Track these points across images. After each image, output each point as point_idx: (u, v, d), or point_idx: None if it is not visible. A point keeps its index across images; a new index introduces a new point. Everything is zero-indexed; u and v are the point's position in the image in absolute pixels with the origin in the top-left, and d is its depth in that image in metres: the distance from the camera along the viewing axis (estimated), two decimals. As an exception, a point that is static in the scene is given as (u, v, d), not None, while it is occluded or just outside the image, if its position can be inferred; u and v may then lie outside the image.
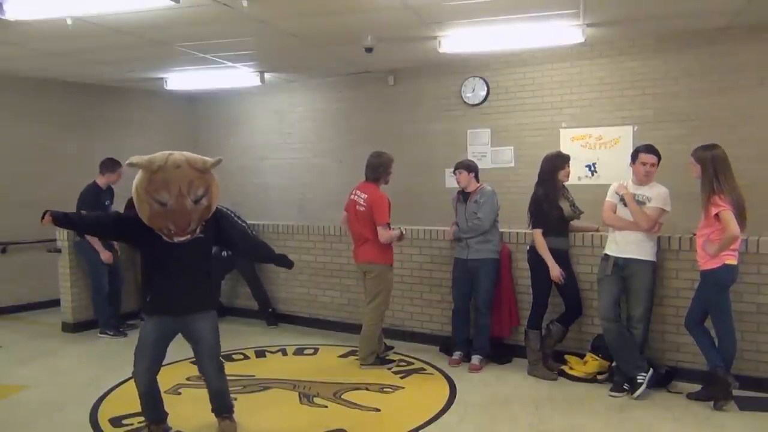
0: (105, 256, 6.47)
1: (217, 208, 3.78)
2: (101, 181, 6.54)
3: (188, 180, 3.48)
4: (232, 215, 6.76)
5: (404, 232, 5.43)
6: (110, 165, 6.55)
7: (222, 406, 4.00)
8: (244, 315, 7.24)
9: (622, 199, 4.67)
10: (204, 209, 3.59)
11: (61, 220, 3.66)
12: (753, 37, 6.20)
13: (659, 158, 4.62)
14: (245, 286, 7.14)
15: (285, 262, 4.32)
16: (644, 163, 4.60)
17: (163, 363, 3.88)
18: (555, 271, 4.93)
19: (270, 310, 7.00)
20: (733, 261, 4.29)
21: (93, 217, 3.93)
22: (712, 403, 4.34)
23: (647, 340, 4.80)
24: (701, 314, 4.45)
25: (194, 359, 4.01)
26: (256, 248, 4.47)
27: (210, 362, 3.87)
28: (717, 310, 4.38)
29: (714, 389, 4.36)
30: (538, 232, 5.02)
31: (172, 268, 3.68)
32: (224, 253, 6.62)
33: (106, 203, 6.50)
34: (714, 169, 4.26)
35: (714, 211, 4.21)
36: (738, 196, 4.24)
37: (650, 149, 4.65)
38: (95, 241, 6.44)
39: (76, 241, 6.66)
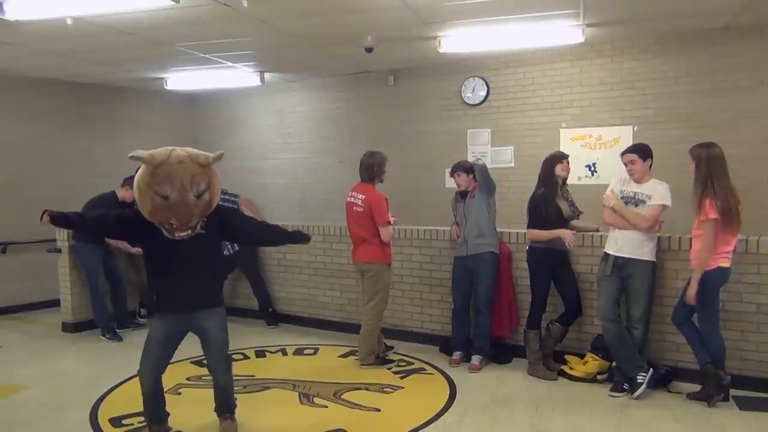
0: (135, 249, 6.47)
1: (219, 204, 3.77)
2: (121, 194, 6.49)
3: (191, 174, 3.47)
4: (224, 191, 6.74)
5: (395, 219, 5.42)
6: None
7: (225, 405, 4.00)
8: (244, 315, 7.23)
9: (623, 199, 4.67)
10: (205, 204, 3.58)
11: (60, 220, 3.63)
12: (753, 37, 6.20)
13: (641, 153, 4.63)
14: (246, 286, 7.14)
15: (301, 237, 4.13)
16: (625, 164, 4.68)
17: (163, 363, 3.88)
18: (562, 233, 4.92)
19: (270, 310, 7.00)
20: (726, 264, 4.31)
21: (93, 217, 3.90)
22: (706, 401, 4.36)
23: (647, 340, 4.79)
24: (689, 311, 4.46)
25: (194, 359, 4.01)
26: (269, 232, 4.30)
27: (217, 359, 3.88)
28: (706, 310, 4.38)
29: (708, 386, 4.39)
30: (531, 231, 5.06)
31: (174, 266, 3.67)
32: (225, 252, 6.62)
33: None
34: (708, 168, 4.25)
35: (702, 218, 4.23)
36: (731, 199, 4.21)
37: (628, 149, 4.75)
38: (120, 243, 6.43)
39: (72, 245, 6.66)
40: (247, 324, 7.02)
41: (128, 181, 6.44)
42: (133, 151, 3.45)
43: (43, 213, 3.52)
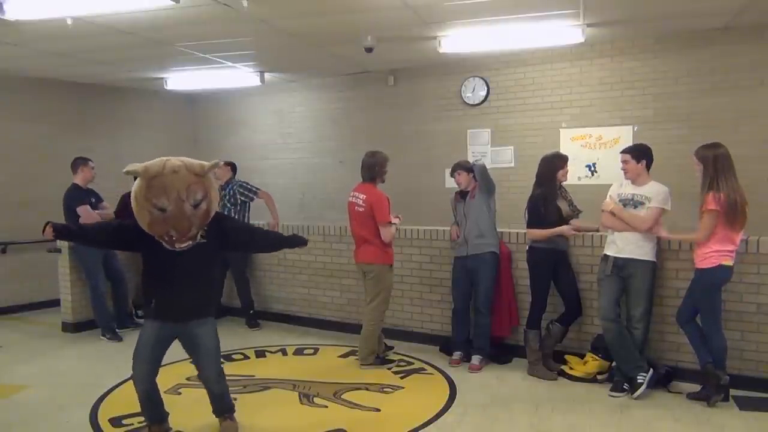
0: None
1: (217, 212, 3.76)
2: (79, 179, 6.50)
3: (186, 185, 3.46)
4: (247, 185, 6.89)
5: (399, 218, 5.44)
6: (81, 160, 6.51)
7: (223, 407, 4.00)
8: (244, 315, 7.22)
9: (621, 201, 4.68)
10: (203, 213, 3.56)
11: (62, 232, 3.64)
12: (753, 37, 6.20)
13: (633, 154, 4.65)
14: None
15: (298, 241, 4.11)
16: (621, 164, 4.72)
17: (164, 363, 3.87)
18: (561, 229, 4.95)
19: (251, 312, 6.98)
20: (729, 262, 4.31)
21: (94, 227, 3.90)
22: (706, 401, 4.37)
23: (647, 340, 4.79)
24: (693, 311, 4.47)
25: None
26: (267, 239, 4.31)
27: (210, 367, 3.86)
28: (708, 308, 4.38)
29: (708, 386, 4.39)
30: (531, 231, 5.06)
31: (174, 276, 3.66)
32: None
33: (93, 200, 6.49)
34: (715, 168, 4.26)
35: (702, 209, 4.24)
36: (738, 197, 4.22)
37: (625, 149, 4.80)
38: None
39: (72, 245, 6.65)
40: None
41: (77, 163, 6.49)
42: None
43: (46, 225, 3.53)
